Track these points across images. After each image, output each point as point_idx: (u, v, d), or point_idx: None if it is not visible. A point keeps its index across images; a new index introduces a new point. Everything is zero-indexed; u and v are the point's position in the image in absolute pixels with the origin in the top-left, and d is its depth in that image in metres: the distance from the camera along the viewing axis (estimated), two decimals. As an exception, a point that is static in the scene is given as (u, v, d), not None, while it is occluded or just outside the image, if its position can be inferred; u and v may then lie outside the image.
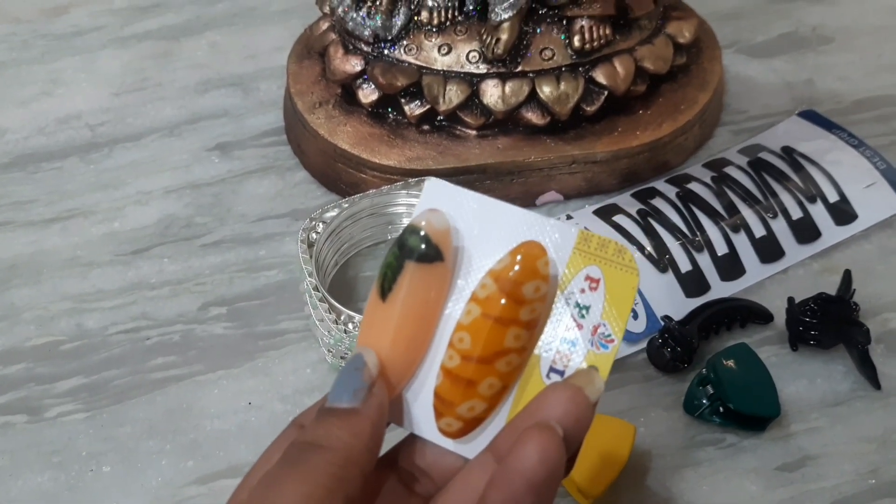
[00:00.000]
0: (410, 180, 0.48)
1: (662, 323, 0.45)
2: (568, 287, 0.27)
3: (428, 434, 0.28)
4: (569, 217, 0.50)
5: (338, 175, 0.52)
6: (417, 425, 0.28)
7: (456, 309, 0.28)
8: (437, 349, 0.28)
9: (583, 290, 0.27)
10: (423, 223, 0.28)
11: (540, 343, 0.27)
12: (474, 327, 0.27)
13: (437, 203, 0.28)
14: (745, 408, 0.41)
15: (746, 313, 0.46)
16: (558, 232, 0.28)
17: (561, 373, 0.27)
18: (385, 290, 0.27)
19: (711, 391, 0.42)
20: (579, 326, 0.27)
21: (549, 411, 0.25)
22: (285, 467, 0.26)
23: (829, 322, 0.44)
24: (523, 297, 0.27)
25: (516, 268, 0.27)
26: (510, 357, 0.27)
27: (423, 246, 0.27)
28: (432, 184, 0.29)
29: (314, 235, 0.46)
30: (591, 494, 0.39)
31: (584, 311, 0.27)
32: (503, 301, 0.26)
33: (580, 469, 0.39)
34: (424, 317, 0.28)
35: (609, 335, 0.27)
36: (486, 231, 0.28)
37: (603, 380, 0.27)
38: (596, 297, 0.27)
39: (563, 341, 0.27)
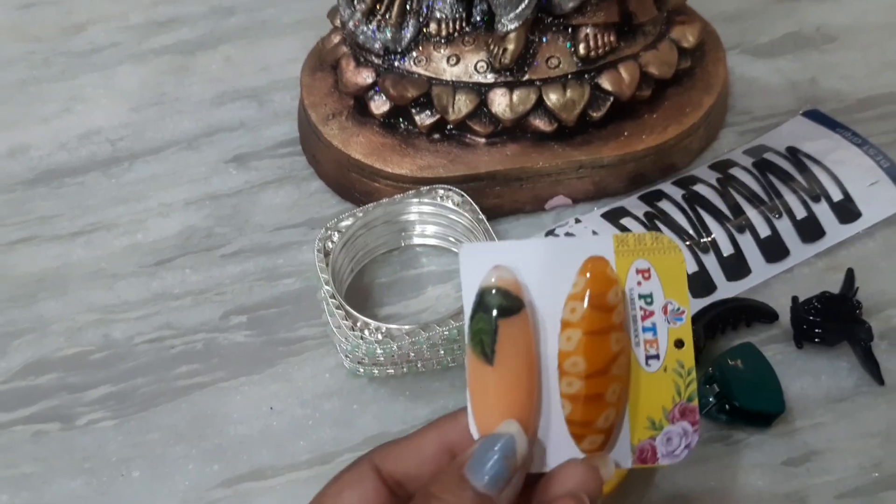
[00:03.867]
0: (422, 188, 0.50)
1: (669, 324, 0.46)
2: (626, 286, 0.30)
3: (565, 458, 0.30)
4: (577, 221, 0.52)
5: (352, 184, 0.53)
6: (559, 459, 0.30)
7: (547, 346, 0.30)
8: (547, 386, 0.30)
9: (639, 283, 0.30)
10: (495, 280, 0.29)
11: (631, 338, 0.30)
12: (582, 348, 0.29)
13: (477, 265, 0.30)
14: (751, 405, 0.42)
15: (752, 312, 0.47)
16: (596, 244, 0.30)
17: (657, 356, 0.30)
18: (489, 355, 0.29)
19: (718, 389, 0.43)
20: (651, 313, 0.30)
21: (567, 483, 0.29)
22: None
23: (833, 320, 0.45)
24: (610, 304, 0.30)
25: (593, 283, 0.30)
26: (620, 360, 0.30)
27: (505, 301, 0.29)
28: (467, 249, 0.30)
29: (330, 245, 0.47)
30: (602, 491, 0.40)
31: (648, 299, 0.30)
32: (596, 315, 0.29)
33: None
34: (530, 364, 0.30)
35: (678, 309, 0.30)
36: (537, 270, 0.30)
37: (614, 468, 0.30)
38: (652, 283, 0.30)
39: (645, 330, 0.30)
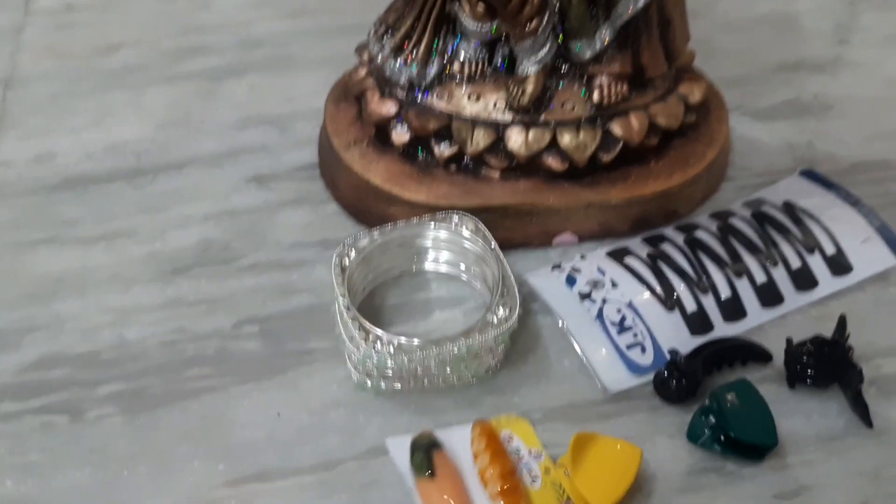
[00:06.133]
0: (438, 214, 0.52)
1: (669, 357, 0.48)
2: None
3: None
4: (583, 257, 0.54)
5: (368, 208, 0.56)
6: None
7: (466, 477, 0.44)
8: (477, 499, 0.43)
9: (508, 441, 0.45)
10: (420, 434, 0.45)
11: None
12: (495, 460, 0.43)
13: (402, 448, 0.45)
14: (745, 437, 0.44)
15: (747, 352, 0.49)
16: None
17: (537, 478, 0.44)
18: (432, 474, 0.43)
19: (713, 421, 0.45)
20: (522, 458, 0.45)
21: None
22: None
23: (825, 363, 0.47)
24: (498, 437, 0.45)
25: (482, 428, 0.45)
26: (517, 471, 0.44)
27: (431, 441, 0.44)
28: (393, 443, 0.45)
29: (347, 261, 0.49)
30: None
31: (518, 453, 0.45)
32: (492, 444, 0.44)
33: (590, 485, 0.42)
34: (458, 477, 0.44)
35: (539, 452, 0.45)
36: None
37: None
38: (517, 440, 0.45)
39: (524, 466, 0.45)
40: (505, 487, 0.42)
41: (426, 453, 0.43)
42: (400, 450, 0.44)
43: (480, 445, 0.44)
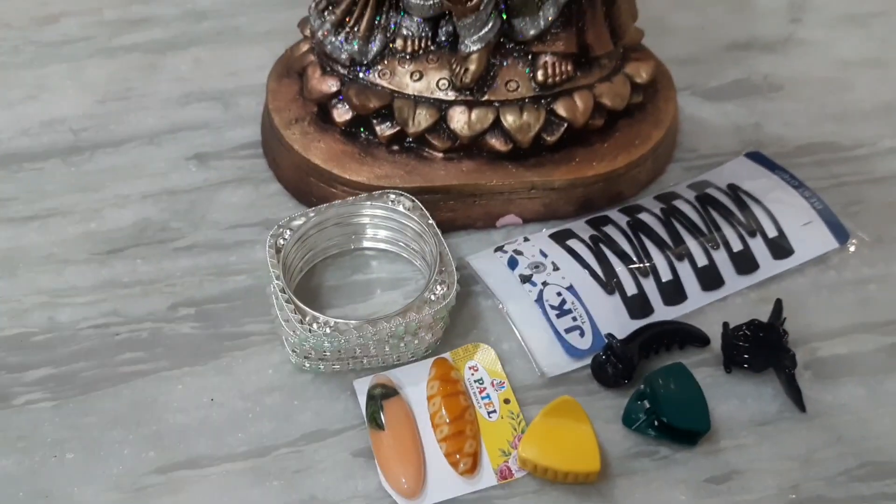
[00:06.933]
0: (374, 192, 0.51)
1: (606, 340, 0.47)
2: (465, 376, 0.47)
3: (454, 489, 0.43)
4: (526, 239, 0.53)
5: (309, 189, 0.55)
6: (444, 485, 0.43)
7: (421, 420, 0.45)
8: (428, 442, 0.44)
9: (473, 374, 0.47)
10: (375, 381, 0.46)
11: (474, 402, 0.46)
12: (444, 405, 0.45)
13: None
14: (678, 422, 0.44)
15: (685, 336, 0.49)
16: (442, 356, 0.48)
17: (495, 411, 0.46)
18: (381, 425, 0.44)
19: (648, 405, 0.45)
20: (484, 388, 0.46)
21: None
22: None
23: (760, 347, 0.47)
24: (453, 378, 0.46)
25: (439, 368, 0.47)
26: (469, 411, 0.45)
27: (384, 390, 0.45)
28: (359, 384, 0.46)
29: (282, 241, 0.48)
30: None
31: (481, 382, 0.47)
32: (446, 385, 0.46)
33: (534, 438, 0.44)
34: (409, 425, 0.44)
35: (500, 382, 0.47)
36: (406, 385, 0.47)
37: None
38: (480, 372, 0.47)
39: (483, 398, 0.46)
40: (448, 433, 0.44)
41: (379, 403, 0.44)
42: (364, 394, 0.46)
43: (433, 390, 0.45)
